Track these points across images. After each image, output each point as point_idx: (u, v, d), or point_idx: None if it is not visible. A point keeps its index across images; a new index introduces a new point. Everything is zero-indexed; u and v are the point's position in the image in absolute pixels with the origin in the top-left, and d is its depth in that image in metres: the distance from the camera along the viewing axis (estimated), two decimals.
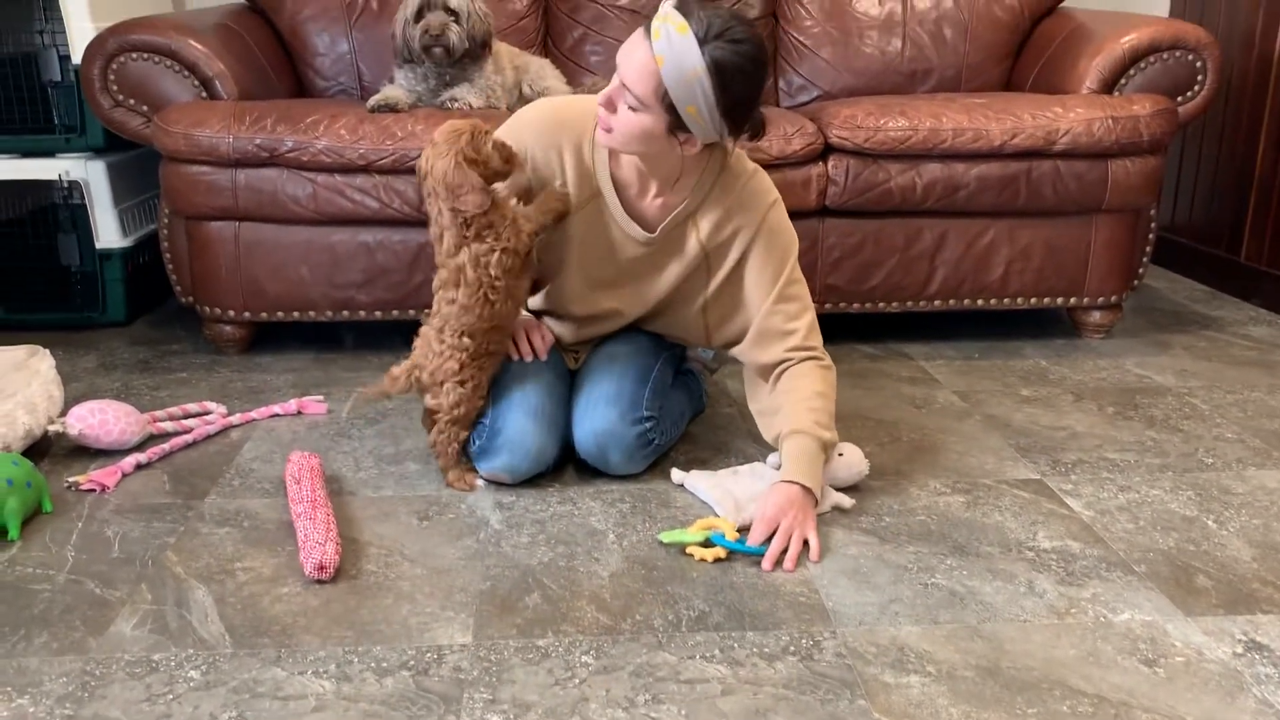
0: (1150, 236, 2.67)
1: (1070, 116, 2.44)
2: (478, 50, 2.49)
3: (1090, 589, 1.52)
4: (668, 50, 1.52)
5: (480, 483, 1.84)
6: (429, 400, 1.79)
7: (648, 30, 1.55)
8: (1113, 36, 2.60)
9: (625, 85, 1.57)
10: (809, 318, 1.81)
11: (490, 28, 2.51)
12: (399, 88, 2.53)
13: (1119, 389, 2.33)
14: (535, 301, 1.95)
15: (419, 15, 2.44)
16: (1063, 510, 1.77)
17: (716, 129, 1.60)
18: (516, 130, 1.78)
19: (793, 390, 1.77)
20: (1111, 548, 1.64)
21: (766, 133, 1.74)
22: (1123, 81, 2.59)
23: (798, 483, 1.65)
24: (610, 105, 1.61)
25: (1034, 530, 1.70)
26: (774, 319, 1.79)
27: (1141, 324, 2.80)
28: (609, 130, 1.64)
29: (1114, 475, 1.90)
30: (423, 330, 1.80)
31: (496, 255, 1.69)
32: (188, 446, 1.99)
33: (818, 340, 1.82)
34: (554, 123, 1.77)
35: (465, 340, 1.74)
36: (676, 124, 1.59)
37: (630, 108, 1.59)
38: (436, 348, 1.76)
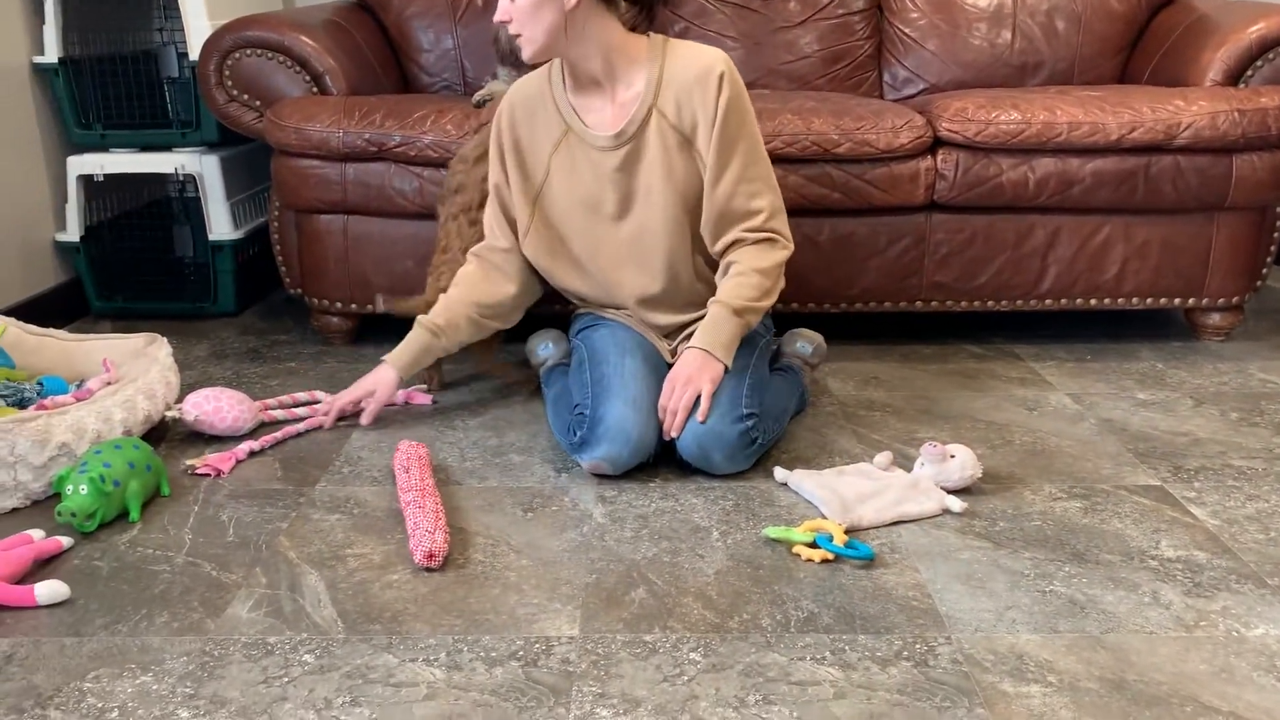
0: (1276, 235, 2.56)
1: (1193, 109, 2.34)
2: None
3: (1220, 601, 1.46)
4: None
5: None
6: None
7: None
8: (1239, 26, 2.49)
9: None
10: (771, 199, 1.85)
11: None
12: (502, 84, 2.54)
13: (1242, 394, 2.23)
14: (579, 284, 1.99)
15: None
16: (1186, 518, 1.70)
17: None
18: (499, 132, 1.94)
19: (732, 267, 1.84)
20: (1241, 559, 1.57)
21: None
22: (1249, 73, 2.48)
23: (696, 347, 1.79)
24: (503, 18, 1.77)
25: (1156, 539, 1.63)
26: (736, 200, 1.83)
27: (1265, 327, 2.68)
28: (519, 36, 1.77)
29: (1241, 483, 1.82)
30: (434, 266, 2.15)
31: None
32: (299, 436, 2.03)
33: (781, 223, 1.86)
34: (521, 101, 1.92)
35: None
36: None
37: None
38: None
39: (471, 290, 2.01)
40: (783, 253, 1.86)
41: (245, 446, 1.93)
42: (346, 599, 1.47)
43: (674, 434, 1.80)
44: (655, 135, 1.83)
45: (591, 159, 1.87)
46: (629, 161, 1.85)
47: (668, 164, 1.84)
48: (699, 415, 1.78)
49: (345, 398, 2.04)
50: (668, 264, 1.90)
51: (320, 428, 2.04)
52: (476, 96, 2.49)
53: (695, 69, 1.80)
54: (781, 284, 1.91)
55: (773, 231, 1.85)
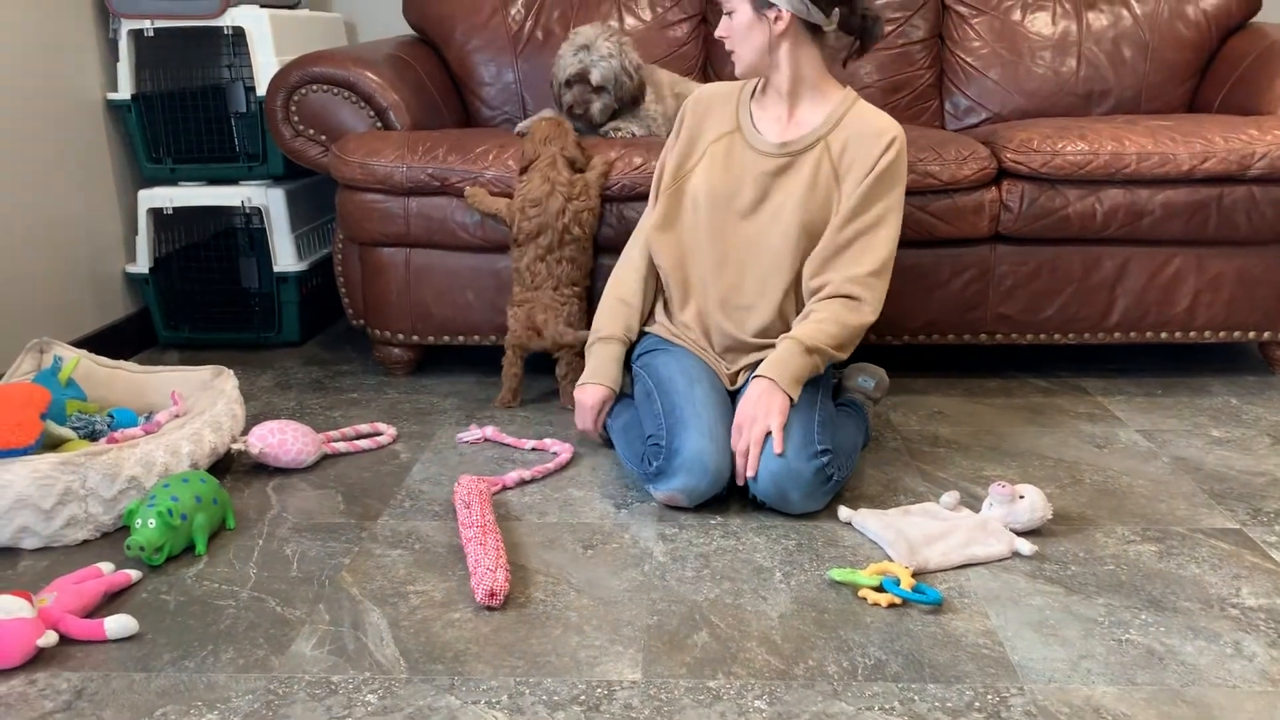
0: None
1: (1267, 139, 2.28)
2: (628, 105, 2.51)
3: None
4: None
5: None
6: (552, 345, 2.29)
7: None
8: None
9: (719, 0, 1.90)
10: (880, 267, 1.89)
11: (642, 81, 2.51)
12: (547, 116, 2.56)
13: None
14: (673, 262, 2.02)
15: (568, 84, 2.46)
16: (1268, 564, 1.64)
17: None
18: (681, 118, 2.05)
19: (813, 314, 1.88)
20: None
21: (878, 35, 1.93)
22: None
23: (763, 376, 1.81)
24: (723, 34, 1.92)
25: (1237, 585, 1.58)
26: (853, 248, 1.88)
27: None
28: (731, 53, 1.92)
29: None
30: (521, 300, 2.29)
31: (585, 213, 2.28)
32: (361, 459, 2.04)
33: (877, 289, 1.89)
34: (708, 95, 2.05)
35: (575, 287, 2.31)
36: (758, 1, 1.84)
37: (728, 13, 1.89)
38: (553, 302, 2.27)
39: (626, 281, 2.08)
40: (867, 318, 1.88)
41: (515, 476, 1.96)
42: (409, 637, 1.47)
43: (750, 474, 1.79)
44: (812, 161, 1.91)
45: (747, 159, 1.95)
46: (779, 171, 1.93)
47: (811, 189, 1.91)
48: (775, 447, 1.77)
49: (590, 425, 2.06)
50: (769, 274, 1.94)
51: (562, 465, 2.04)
52: (520, 126, 2.52)
53: (875, 125, 1.90)
54: (855, 345, 1.92)
55: (866, 289, 1.88)
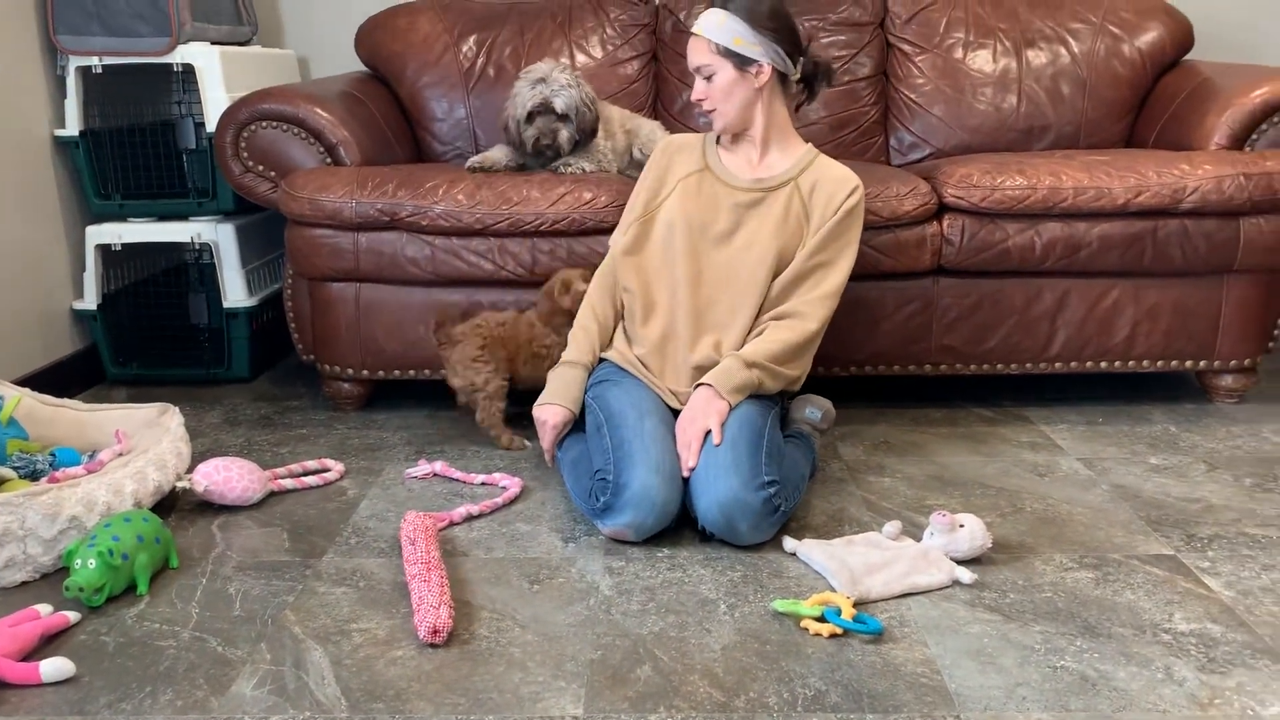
0: None
1: (1198, 174, 2.35)
2: (586, 139, 2.53)
3: (1235, 678, 1.43)
4: (702, 24, 1.99)
5: (528, 443, 2.29)
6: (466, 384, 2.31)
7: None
8: (1243, 90, 2.50)
9: (697, 68, 2.00)
10: (832, 291, 2.01)
11: (596, 115, 2.54)
12: (503, 150, 2.58)
13: (1256, 458, 2.21)
14: (637, 282, 2.07)
15: (530, 117, 2.48)
16: (1200, 590, 1.67)
17: (769, 49, 1.96)
18: (649, 166, 2.14)
19: (760, 332, 2.00)
20: (1257, 633, 1.54)
21: (833, 79, 2.11)
22: (1254, 137, 2.49)
23: (704, 383, 1.92)
24: (700, 96, 2.02)
25: (1170, 611, 1.61)
26: (813, 274, 2.01)
27: (1279, 389, 2.67)
28: (712, 112, 2.03)
29: (1256, 552, 1.79)
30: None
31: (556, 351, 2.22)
32: (307, 493, 2.03)
33: (824, 306, 2.01)
34: (677, 143, 2.16)
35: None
36: (740, 60, 1.96)
37: (707, 77, 1.99)
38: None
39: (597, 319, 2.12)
40: (810, 327, 1.99)
41: (462, 512, 1.95)
42: (350, 676, 1.46)
43: (692, 463, 1.85)
44: (784, 197, 2.03)
45: (719, 190, 2.06)
46: (752, 204, 2.04)
47: (784, 220, 2.02)
48: (714, 439, 1.85)
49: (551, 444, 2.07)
50: (741, 298, 2.01)
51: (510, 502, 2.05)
52: (470, 162, 2.54)
53: (840, 173, 2.05)
54: (804, 365, 2.03)
55: (810, 307, 2.00)
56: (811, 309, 2.00)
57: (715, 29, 1.97)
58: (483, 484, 2.12)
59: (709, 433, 1.87)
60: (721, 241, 2.04)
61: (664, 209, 2.08)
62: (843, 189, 2.03)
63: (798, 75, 2.03)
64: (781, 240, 2.01)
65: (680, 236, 2.04)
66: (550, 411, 2.04)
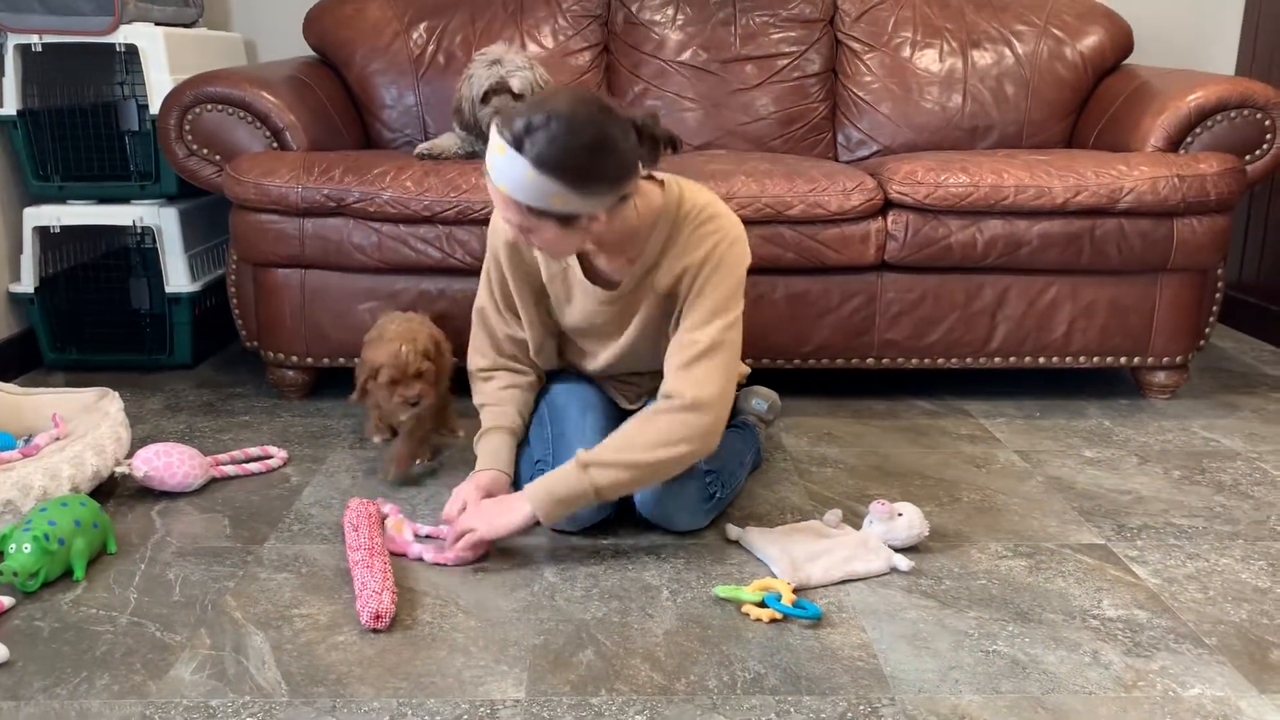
0: (1217, 296, 2.63)
1: (1134, 175, 2.41)
2: None
3: (1158, 661, 1.48)
4: (502, 175, 1.58)
5: (378, 439, 2.24)
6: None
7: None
8: (1178, 94, 2.57)
9: (508, 221, 1.65)
10: (709, 366, 1.72)
11: None
12: (452, 138, 2.58)
13: (1185, 452, 2.27)
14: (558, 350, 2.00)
15: (485, 97, 2.47)
16: (1128, 578, 1.72)
17: (593, 201, 1.60)
18: (494, 236, 1.89)
19: (649, 418, 1.73)
20: (1180, 618, 1.60)
21: (675, 144, 1.69)
22: (1188, 140, 2.56)
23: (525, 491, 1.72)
24: (523, 237, 1.68)
25: (1099, 598, 1.66)
26: (694, 360, 1.72)
27: (1209, 385, 2.74)
28: (544, 248, 1.73)
29: (1182, 542, 1.85)
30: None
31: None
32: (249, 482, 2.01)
33: (706, 391, 1.71)
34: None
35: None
36: (563, 219, 1.61)
37: (526, 230, 1.65)
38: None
39: (517, 398, 1.98)
40: (683, 452, 1.72)
41: (417, 551, 1.76)
42: (291, 660, 1.46)
43: (445, 559, 1.72)
44: (647, 295, 1.82)
45: (582, 296, 1.86)
46: (624, 304, 1.85)
47: (658, 306, 1.82)
48: (447, 554, 1.72)
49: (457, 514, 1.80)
50: (653, 360, 1.86)
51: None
52: (420, 148, 2.52)
53: (700, 252, 1.75)
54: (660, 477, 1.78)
55: (699, 416, 1.72)
56: (699, 419, 1.71)
57: (523, 188, 1.57)
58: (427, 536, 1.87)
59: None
60: (615, 334, 1.89)
61: (549, 296, 1.89)
62: (700, 271, 1.74)
63: (645, 174, 1.74)
64: (667, 318, 1.82)
65: (576, 339, 1.94)
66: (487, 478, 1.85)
